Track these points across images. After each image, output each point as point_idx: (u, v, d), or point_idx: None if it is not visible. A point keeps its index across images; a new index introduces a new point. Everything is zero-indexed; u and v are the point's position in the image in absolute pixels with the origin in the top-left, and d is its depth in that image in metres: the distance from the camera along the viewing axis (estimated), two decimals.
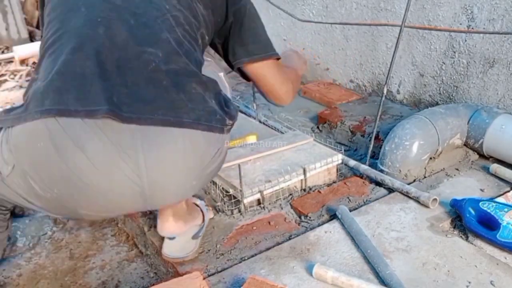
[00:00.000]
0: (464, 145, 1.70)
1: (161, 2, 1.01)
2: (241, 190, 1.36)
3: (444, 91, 1.97)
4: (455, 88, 1.92)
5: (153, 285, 1.03)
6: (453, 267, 1.11)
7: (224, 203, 1.40)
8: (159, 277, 1.16)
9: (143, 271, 1.17)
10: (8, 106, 1.01)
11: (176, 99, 0.93)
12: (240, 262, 1.16)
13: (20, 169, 0.92)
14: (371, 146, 1.72)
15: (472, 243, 1.22)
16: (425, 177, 1.56)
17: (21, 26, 3.65)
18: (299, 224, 1.34)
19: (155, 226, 1.22)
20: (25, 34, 3.68)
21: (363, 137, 1.92)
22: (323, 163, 1.53)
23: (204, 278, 1.04)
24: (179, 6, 1.02)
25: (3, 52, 3.38)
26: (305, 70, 1.63)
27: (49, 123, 0.87)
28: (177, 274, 1.12)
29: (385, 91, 1.65)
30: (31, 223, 1.48)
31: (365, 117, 2.04)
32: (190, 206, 1.27)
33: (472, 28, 1.78)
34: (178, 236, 1.20)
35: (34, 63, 3.07)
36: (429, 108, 1.76)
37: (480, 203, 1.26)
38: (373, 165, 1.64)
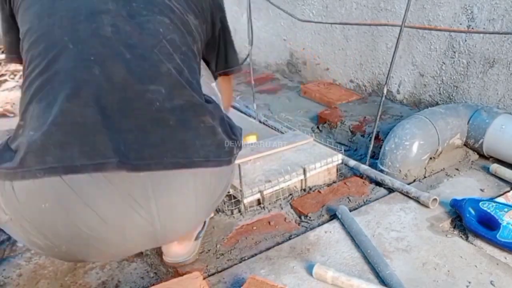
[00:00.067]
0: (464, 145, 1.70)
1: (155, 26, 0.93)
2: (241, 190, 1.36)
3: (444, 91, 1.97)
4: (455, 88, 1.92)
5: (153, 285, 1.03)
6: (453, 267, 1.11)
7: (224, 203, 1.40)
8: (159, 277, 1.15)
9: (143, 271, 1.17)
10: None
11: (184, 139, 0.90)
12: (240, 262, 1.16)
13: (19, 224, 0.87)
14: (371, 146, 1.72)
15: (472, 243, 1.22)
16: (425, 177, 1.56)
17: None
18: (299, 224, 1.34)
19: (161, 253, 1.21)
20: None
21: (363, 137, 1.92)
22: (323, 163, 1.53)
23: (204, 278, 1.04)
24: (172, 25, 0.95)
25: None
26: None
27: (54, 183, 0.81)
28: (177, 274, 1.12)
29: (385, 91, 1.65)
30: None
31: (365, 117, 2.04)
32: None
33: (472, 28, 1.78)
34: None
35: None
36: (429, 108, 1.76)
37: (480, 203, 1.26)
38: (373, 165, 1.64)
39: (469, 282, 1.06)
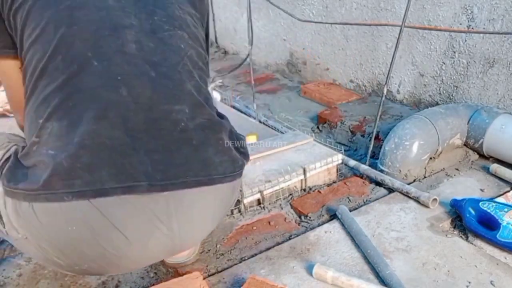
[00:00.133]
0: (464, 145, 1.70)
1: (177, 42, 0.93)
2: (241, 190, 1.36)
3: (444, 91, 1.97)
4: (455, 88, 1.93)
5: (153, 285, 1.03)
6: (453, 267, 1.11)
7: None
8: (159, 277, 1.15)
9: (143, 271, 1.17)
10: (7, 165, 0.88)
11: (205, 157, 0.92)
12: (240, 262, 1.16)
13: (36, 244, 0.86)
14: (371, 146, 1.72)
15: (472, 243, 1.22)
16: (425, 177, 1.56)
17: None
18: (299, 224, 1.34)
19: None
20: None
21: (363, 137, 1.92)
22: (323, 163, 1.53)
23: (204, 278, 1.04)
24: (190, 40, 0.96)
25: None
26: None
27: (82, 206, 0.80)
28: (177, 274, 1.12)
29: (385, 91, 1.65)
30: None
31: (365, 117, 2.04)
32: None
33: (472, 28, 1.78)
34: None
35: None
36: (429, 108, 1.76)
37: (480, 203, 1.26)
38: (373, 165, 1.64)
39: (469, 282, 1.06)
